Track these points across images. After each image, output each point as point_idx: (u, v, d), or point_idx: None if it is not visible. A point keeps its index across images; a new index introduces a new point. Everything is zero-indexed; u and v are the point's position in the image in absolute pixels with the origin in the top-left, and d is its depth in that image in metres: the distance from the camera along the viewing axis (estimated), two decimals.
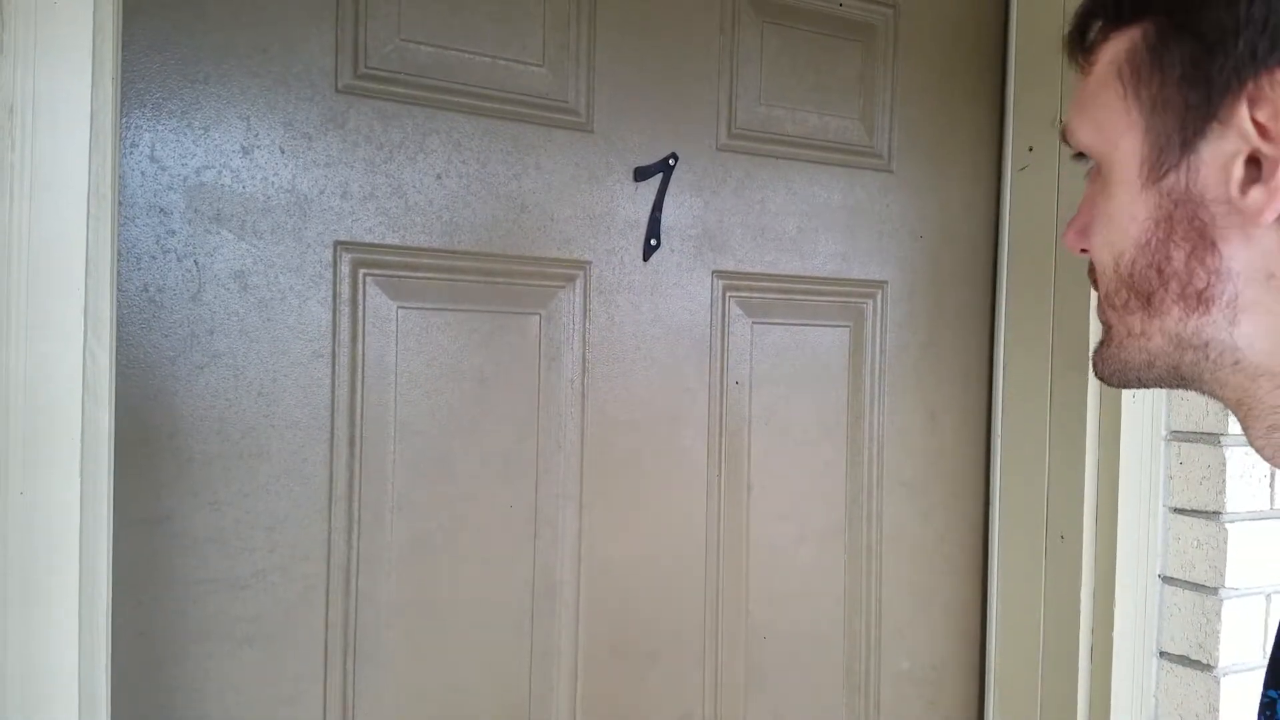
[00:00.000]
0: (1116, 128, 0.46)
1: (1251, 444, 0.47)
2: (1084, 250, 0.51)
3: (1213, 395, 0.47)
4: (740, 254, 1.16)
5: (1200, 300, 0.43)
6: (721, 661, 1.17)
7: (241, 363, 0.91)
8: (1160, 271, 0.44)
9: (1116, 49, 0.46)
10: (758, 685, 1.20)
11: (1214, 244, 0.43)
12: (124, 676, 0.86)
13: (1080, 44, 0.49)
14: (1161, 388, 0.48)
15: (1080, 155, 0.50)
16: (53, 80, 0.70)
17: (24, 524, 0.71)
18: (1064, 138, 0.51)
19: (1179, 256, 0.44)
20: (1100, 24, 0.48)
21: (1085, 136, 0.48)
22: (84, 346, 0.73)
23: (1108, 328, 0.49)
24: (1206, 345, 0.44)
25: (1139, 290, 0.46)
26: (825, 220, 1.21)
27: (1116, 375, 0.49)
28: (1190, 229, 0.43)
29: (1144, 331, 0.46)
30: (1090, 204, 0.50)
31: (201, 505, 0.90)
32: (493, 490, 1.04)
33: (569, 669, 1.08)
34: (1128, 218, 0.46)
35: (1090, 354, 1.17)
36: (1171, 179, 0.44)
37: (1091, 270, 0.50)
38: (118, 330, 0.83)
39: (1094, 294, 0.51)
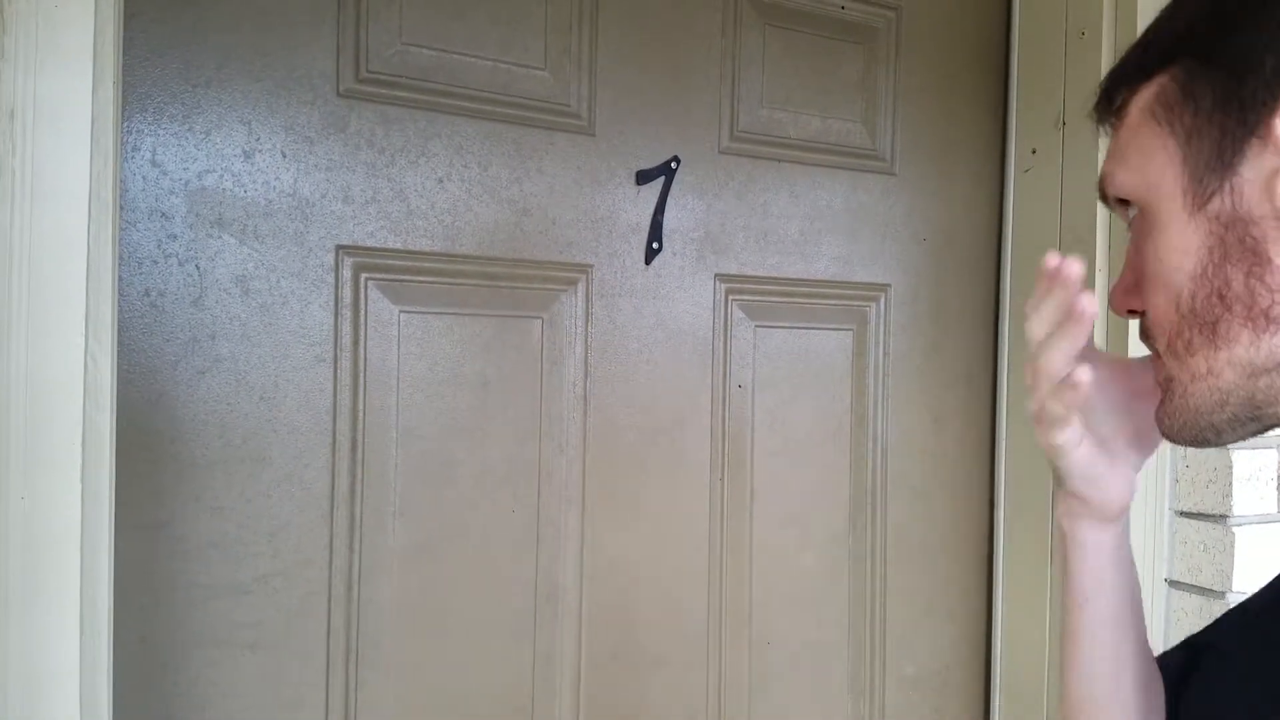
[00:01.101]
0: (1155, 165, 0.46)
1: None
2: (1131, 311, 0.50)
3: None
4: (743, 257, 1.15)
5: (1269, 319, 0.43)
6: (725, 667, 1.17)
7: (243, 367, 0.91)
8: (1223, 297, 0.44)
9: (1145, 97, 0.47)
10: (761, 691, 1.19)
11: (1269, 260, 0.42)
12: (125, 682, 0.86)
13: (1109, 109, 0.50)
14: (1235, 440, 0.47)
15: (1123, 204, 0.50)
16: (54, 84, 0.70)
17: (25, 528, 0.71)
18: (1103, 191, 0.51)
19: (1238, 279, 0.43)
20: (1126, 88, 0.49)
21: (1125, 180, 0.48)
22: (85, 351, 0.73)
23: (1169, 382, 0.48)
24: None
25: (1204, 322, 0.45)
26: (828, 223, 1.21)
27: (1188, 428, 0.48)
28: (1244, 249, 0.43)
29: (1211, 369, 0.45)
30: (1133, 261, 0.49)
31: (203, 510, 0.90)
32: (495, 495, 1.03)
33: (571, 674, 1.08)
34: (1179, 253, 0.45)
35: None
36: (1216, 203, 0.44)
37: (1145, 331, 0.49)
38: (119, 335, 0.83)
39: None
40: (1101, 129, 0.51)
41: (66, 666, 0.73)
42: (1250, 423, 0.46)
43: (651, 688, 1.12)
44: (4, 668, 0.70)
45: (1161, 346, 0.48)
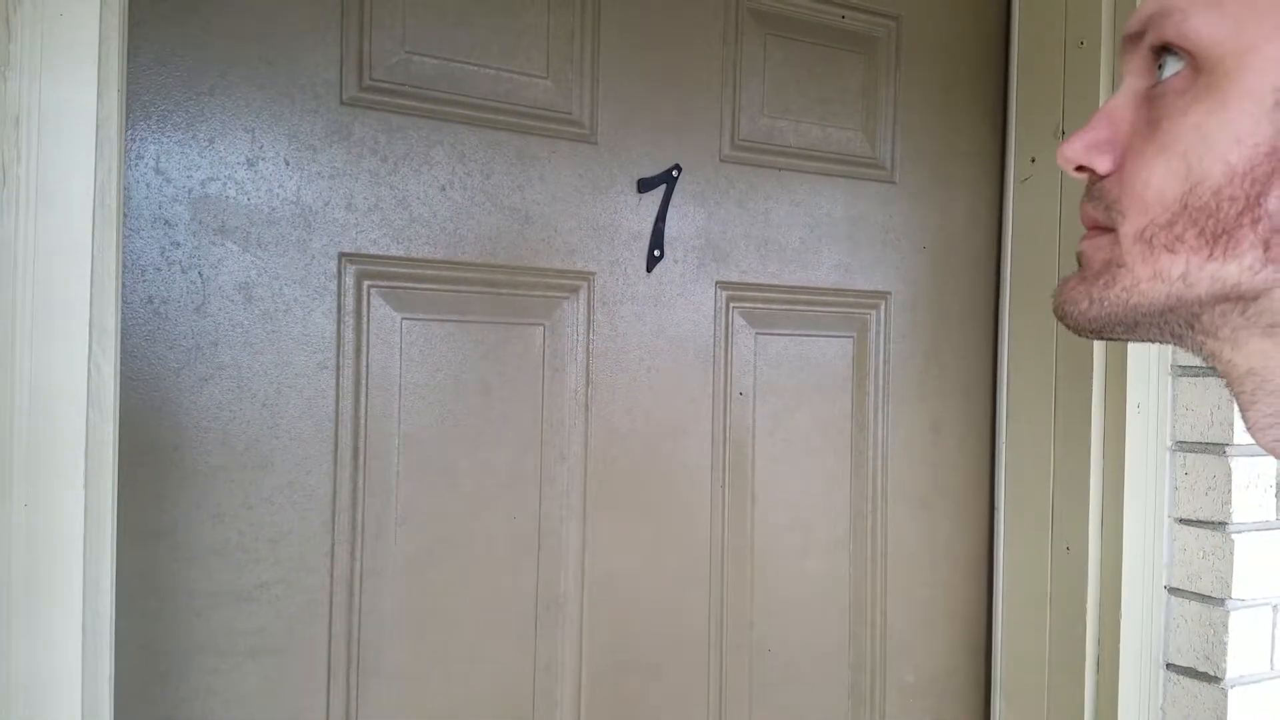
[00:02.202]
0: (1264, 26, 0.37)
1: (1250, 429, 0.41)
2: (1082, 169, 0.43)
3: (1210, 356, 0.41)
4: (744, 265, 1.16)
5: None
6: (726, 674, 1.17)
7: (246, 374, 0.91)
8: (1252, 207, 0.37)
9: None
10: (762, 698, 1.19)
11: None
12: (127, 689, 0.86)
13: None
14: (1141, 340, 0.42)
15: (1161, 53, 0.41)
16: (58, 92, 0.71)
17: (28, 535, 0.71)
18: (1145, 27, 0.42)
19: (1278, 195, 0.37)
20: None
21: (1206, 26, 0.39)
22: (88, 358, 0.73)
23: (1113, 267, 0.41)
24: (1257, 299, 0.38)
25: (1213, 225, 0.38)
26: (828, 231, 1.21)
27: (1103, 320, 0.42)
28: None
29: (1185, 275, 0.39)
30: (1120, 117, 0.42)
31: (205, 517, 0.90)
32: (496, 502, 1.03)
33: (572, 682, 1.08)
34: (1232, 139, 0.37)
35: (1091, 371, 1.17)
36: None
37: (1100, 197, 0.43)
38: (122, 342, 0.83)
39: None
40: None
41: (68, 673, 0.73)
42: (1168, 339, 0.42)
43: (652, 695, 1.12)
44: (6, 675, 0.70)
45: (1130, 227, 0.41)
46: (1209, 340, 0.40)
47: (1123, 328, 0.42)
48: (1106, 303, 0.42)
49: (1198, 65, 0.39)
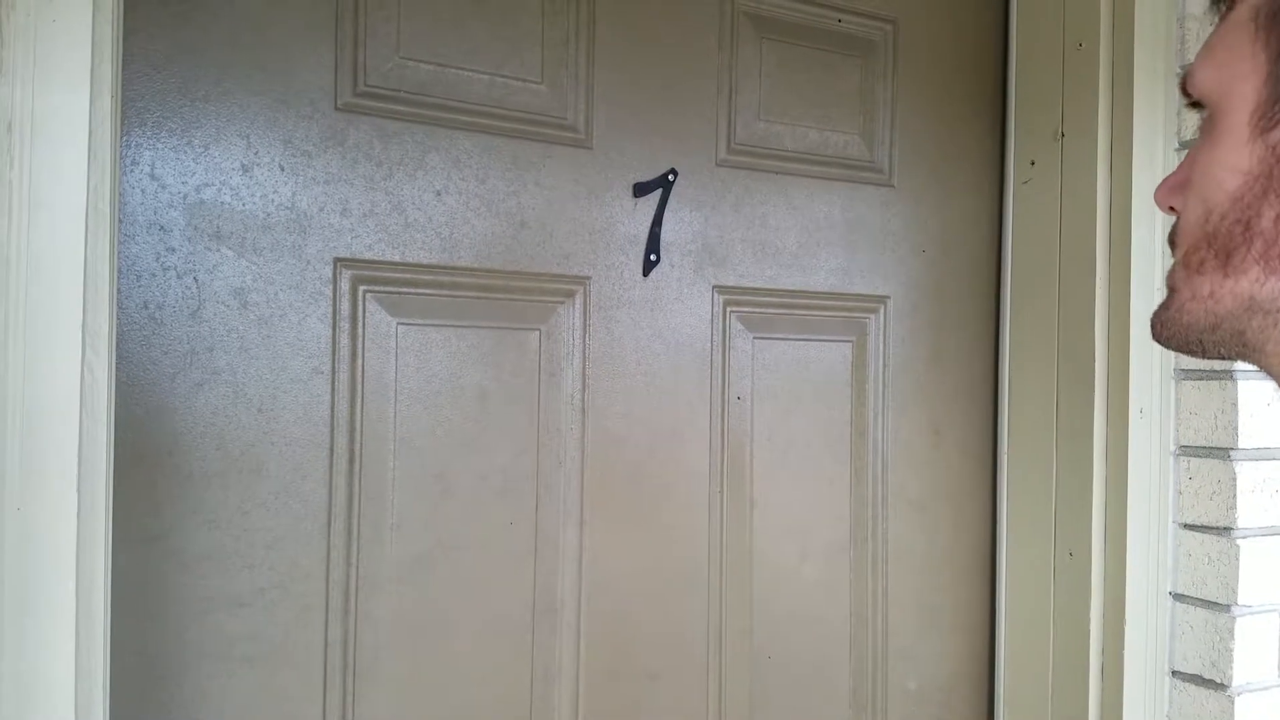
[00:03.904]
0: (1237, 72, 0.44)
1: None
2: (1173, 209, 0.49)
3: (1270, 371, 0.45)
4: (741, 269, 1.15)
5: None
6: (725, 681, 1.16)
7: (241, 379, 0.91)
8: (1247, 228, 0.43)
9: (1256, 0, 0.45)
10: (762, 706, 1.18)
11: None
12: (121, 695, 0.86)
13: None
14: (1221, 358, 0.47)
15: (1194, 106, 0.48)
16: (51, 98, 0.71)
17: (21, 540, 0.71)
18: (1183, 86, 0.48)
19: (1269, 215, 0.42)
20: None
21: (1204, 78, 0.46)
22: (82, 363, 0.73)
23: (1173, 291, 0.47)
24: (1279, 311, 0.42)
25: (1220, 247, 0.44)
26: (826, 235, 1.21)
27: (1176, 338, 0.47)
28: None
29: (1213, 294, 0.44)
30: (1191, 159, 0.48)
31: (200, 522, 0.90)
32: (493, 507, 1.03)
33: (570, 689, 1.07)
34: (1226, 170, 0.43)
35: (1093, 375, 1.16)
36: (1278, 134, 0.42)
37: (1173, 234, 0.48)
38: (117, 347, 0.83)
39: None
40: (1213, 9, 0.49)
41: (62, 680, 0.73)
42: (1235, 353, 0.46)
43: (650, 702, 1.12)
44: None
45: (1178, 255, 0.47)
46: (1263, 358, 0.44)
47: (1195, 345, 0.47)
48: (1169, 324, 0.48)
49: (1209, 111, 0.46)
